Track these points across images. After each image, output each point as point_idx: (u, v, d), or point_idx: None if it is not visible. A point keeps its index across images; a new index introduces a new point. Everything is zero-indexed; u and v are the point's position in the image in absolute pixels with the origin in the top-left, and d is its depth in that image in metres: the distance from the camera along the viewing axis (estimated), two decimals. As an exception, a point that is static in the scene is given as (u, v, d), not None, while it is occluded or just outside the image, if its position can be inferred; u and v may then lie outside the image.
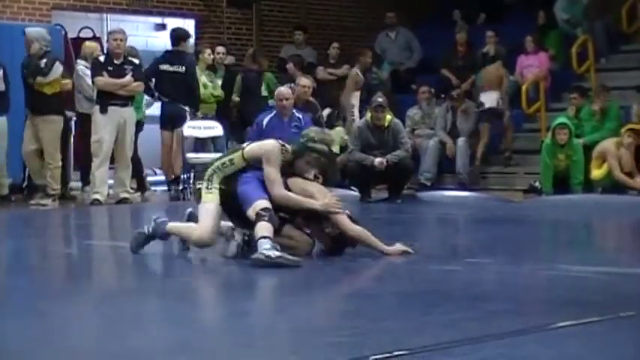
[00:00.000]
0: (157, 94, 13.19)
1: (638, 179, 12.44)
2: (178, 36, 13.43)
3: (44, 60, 11.98)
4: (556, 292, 5.41)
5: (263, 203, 6.51)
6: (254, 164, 6.76)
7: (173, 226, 6.94)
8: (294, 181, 6.83)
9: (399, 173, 12.43)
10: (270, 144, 6.81)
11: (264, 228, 6.38)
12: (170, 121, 12.97)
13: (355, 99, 14.41)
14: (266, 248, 6.25)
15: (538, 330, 4.33)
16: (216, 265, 6.98)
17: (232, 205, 6.72)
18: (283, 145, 6.85)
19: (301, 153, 6.81)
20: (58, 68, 12.07)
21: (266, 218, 6.41)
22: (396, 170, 12.33)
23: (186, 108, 13.01)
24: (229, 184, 6.75)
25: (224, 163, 6.82)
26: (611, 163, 12.46)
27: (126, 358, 3.94)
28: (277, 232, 6.55)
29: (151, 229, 6.96)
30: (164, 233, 6.94)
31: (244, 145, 7.04)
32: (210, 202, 6.75)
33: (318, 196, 6.78)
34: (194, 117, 13.16)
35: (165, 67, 13.05)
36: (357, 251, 6.96)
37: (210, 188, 6.75)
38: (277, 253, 6.24)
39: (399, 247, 6.75)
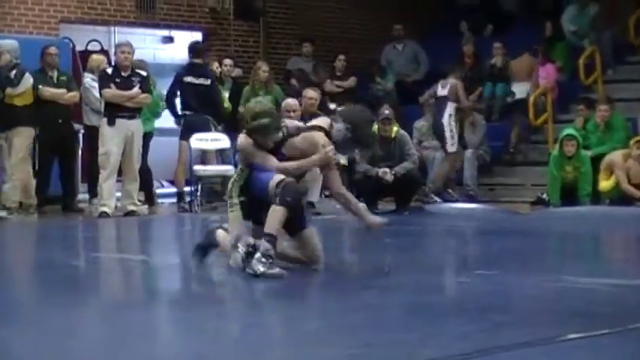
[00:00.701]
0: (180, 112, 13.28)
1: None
2: (201, 49, 13.51)
3: (14, 72, 12.02)
4: (564, 304, 5.40)
5: (275, 180, 6.56)
6: (252, 165, 6.83)
7: (220, 235, 6.98)
8: (289, 145, 6.85)
9: (406, 185, 12.42)
10: (239, 143, 6.88)
11: (271, 220, 6.42)
12: (192, 132, 12.97)
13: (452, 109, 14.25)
14: (255, 262, 6.33)
15: (546, 342, 4.32)
16: (225, 277, 6.98)
17: (256, 210, 6.75)
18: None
19: (252, 136, 6.83)
20: (28, 80, 12.10)
21: (277, 199, 6.44)
22: (404, 182, 12.32)
23: (210, 118, 13.08)
24: (248, 192, 6.80)
25: (238, 174, 6.89)
26: (619, 174, 12.45)
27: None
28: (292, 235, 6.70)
29: (204, 240, 7.05)
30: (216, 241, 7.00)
31: None
32: (232, 221, 6.80)
33: (311, 148, 6.79)
34: (216, 129, 13.22)
35: (189, 79, 13.10)
36: (365, 262, 6.98)
37: (232, 206, 6.80)
38: (261, 270, 6.28)
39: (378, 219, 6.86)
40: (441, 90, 14.11)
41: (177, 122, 13.34)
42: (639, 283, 6.18)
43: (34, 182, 12.24)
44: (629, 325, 4.67)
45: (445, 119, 13.87)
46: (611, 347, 4.32)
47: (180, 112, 13.27)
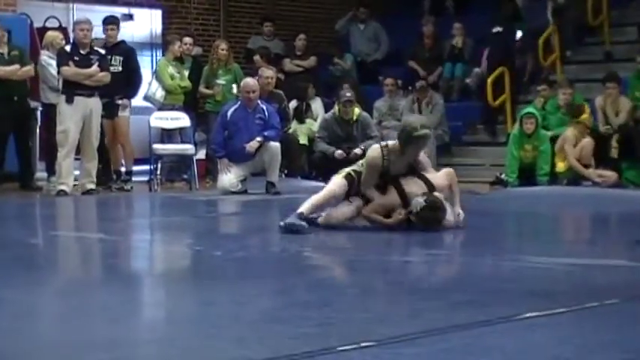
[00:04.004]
0: None
1: (592, 171, 12.57)
2: None
3: None
4: (521, 283, 5.44)
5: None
6: None
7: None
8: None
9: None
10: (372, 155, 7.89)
11: None
12: None
13: None
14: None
15: (503, 321, 4.35)
16: (183, 254, 6.99)
17: None
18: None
19: (404, 147, 7.78)
20: None
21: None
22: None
23: None
24: None
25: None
26: (567, 149, 12.54)
27: (90, 349, 3.92)
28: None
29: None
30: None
31: None
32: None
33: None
34: None
35: None
36: (322, 242, 7.00)
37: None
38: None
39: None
40: None
41: None
42: (596, 263, 6.23)
43: None
44: (586, 304, 4.71)
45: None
46: (568, 326, 4.36)
47: None
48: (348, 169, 7.97)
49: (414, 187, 7.68)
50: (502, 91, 14.57)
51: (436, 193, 7.65)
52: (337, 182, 7.87)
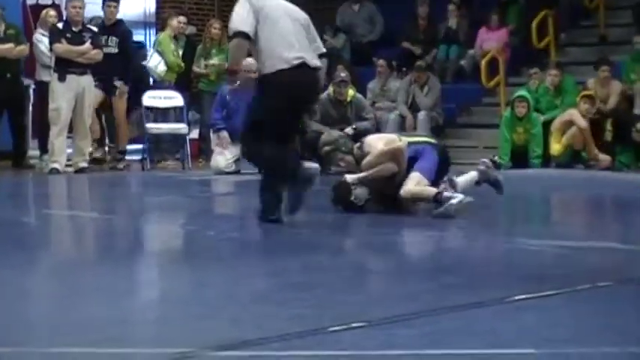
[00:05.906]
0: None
1: (600, 156, 12.59)
2: None
3: None
4: (513, 266, 5.46)
5: None
6: None
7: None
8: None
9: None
10: None
11: None
12: None
13: None
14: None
15: (495, 303, 4.36)
16: (176, 234, 6.99)
17: None
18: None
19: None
20: None
21: None
22: (360, 142, 12.32)
23: None
24: None
25: None
26: (579, 123, 12.52)
27: (83, 330, 3.93)
28: None
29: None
30: None
31: None
32: None
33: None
34: None
35: None
36: (319, 222, 7.01)
37: None
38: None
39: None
40: None
41: None
42: (587, 245, 6.25)
43: None
44: (577, 287, 4.72)
45: None
46: (559, 308, 4.37)
47: None
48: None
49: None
50: (496, 73, 14.58)
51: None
52: None
